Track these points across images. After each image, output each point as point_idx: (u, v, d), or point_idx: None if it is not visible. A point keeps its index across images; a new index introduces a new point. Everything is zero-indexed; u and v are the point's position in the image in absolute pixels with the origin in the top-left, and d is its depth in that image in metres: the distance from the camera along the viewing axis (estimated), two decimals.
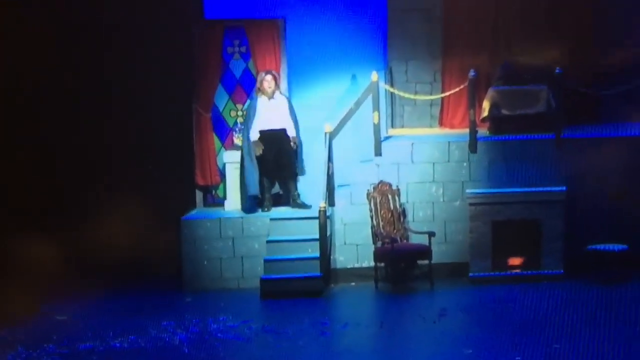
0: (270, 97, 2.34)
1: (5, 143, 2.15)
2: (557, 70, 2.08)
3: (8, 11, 2.05)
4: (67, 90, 2.12)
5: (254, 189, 2.42)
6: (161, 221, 1.99)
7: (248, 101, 2.37)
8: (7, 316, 1.56)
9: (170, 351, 1.62)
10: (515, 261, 2.18)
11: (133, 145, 2.01)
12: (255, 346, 1.69)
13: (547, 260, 2.13)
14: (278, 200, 2.46)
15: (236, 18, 2.34)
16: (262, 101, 2.36)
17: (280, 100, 2.38)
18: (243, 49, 2.34)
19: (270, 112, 2.43)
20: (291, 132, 2.41)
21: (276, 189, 2.57)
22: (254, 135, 2.35)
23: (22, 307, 1.60)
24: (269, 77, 2.32)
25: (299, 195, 2.43)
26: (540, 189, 2.13)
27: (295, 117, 2.38)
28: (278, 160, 2.47)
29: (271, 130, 2.40)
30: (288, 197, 2.59)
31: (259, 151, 2.36)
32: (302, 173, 2.36)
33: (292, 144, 2.36)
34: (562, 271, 2.04)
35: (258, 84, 2.37)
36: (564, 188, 2.04)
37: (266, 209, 2.51)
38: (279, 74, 2.36)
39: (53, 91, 2.13)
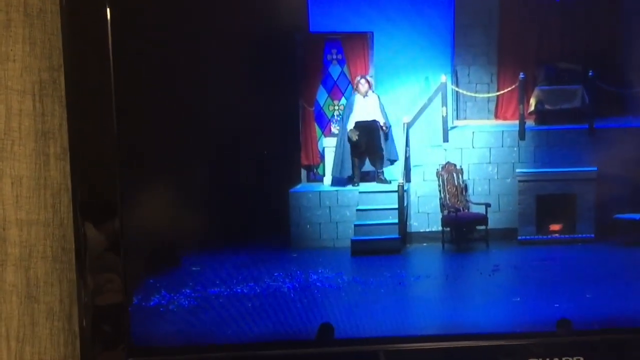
0: (364, 95, 2.38)
1: None
2: (590, 73, 2.05)
3: None
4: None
5: (337, 171, 2.45)
6: (274, 193, 2.05)
7: (343, 99, 2.41)
8: (153, 267, 1.64)
9: (280, 296, 1.70)
10: (555, 227, 2.17)
11: (253, 134, 2.06)
12: (346, 293, 1.75)
13: (580, 227, 2.11)
14: (365, 178, 2.50)
15: (334, 32, 2.38)
16: (357, 99, 2.40)
17: (372, 97, 2.41)
18: (339, 57, 2.38)
19: (363, 107, 2.47)
20: (381, 121, 2.44)
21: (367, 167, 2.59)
22: (350, 126, 2.40)
23: (166, 259, 1.67)
24: (363, 81, 2.36)
25: (383, 173, 2.46)
26: (576, 169, 2.11)
27: (384, 110, 2.40)
28: (369, 144, 2.50)
29: (364, 121, 2.44)
30: (375, 175, 2.62)
31: (354, 137, 2.40)
32: (396, 157, 2.38)
33: (383, 128, 2.39)
34: (593, 235, 2.02)
35: (354, 86, 2.41)
36: (596, 168, 2.02)
37: (356, 184, 2.56)
38: (371, 78, 2.39)
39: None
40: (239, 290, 1.67)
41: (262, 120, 1.85)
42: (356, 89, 2.44)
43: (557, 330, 1.68)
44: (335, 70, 2.38)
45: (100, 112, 1.50)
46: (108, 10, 1.48)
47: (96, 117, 1.51)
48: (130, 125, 1.55)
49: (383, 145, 2.36)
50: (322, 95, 2.36)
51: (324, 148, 2.39)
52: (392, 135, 2.34)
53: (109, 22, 1.49)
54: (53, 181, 1.56)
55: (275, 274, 1.73)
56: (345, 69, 2.37)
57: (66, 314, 1.61)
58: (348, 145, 2.36)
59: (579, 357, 1.64)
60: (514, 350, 1.66)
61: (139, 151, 1.58)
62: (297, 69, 2.17)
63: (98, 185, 1.52)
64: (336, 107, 2.42)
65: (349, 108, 2.43)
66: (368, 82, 2.38)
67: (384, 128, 2.35)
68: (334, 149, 2.39)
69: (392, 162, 2.38)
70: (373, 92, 2.36)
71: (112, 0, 1.49)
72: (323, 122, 2.42)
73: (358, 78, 2.41)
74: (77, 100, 1.50)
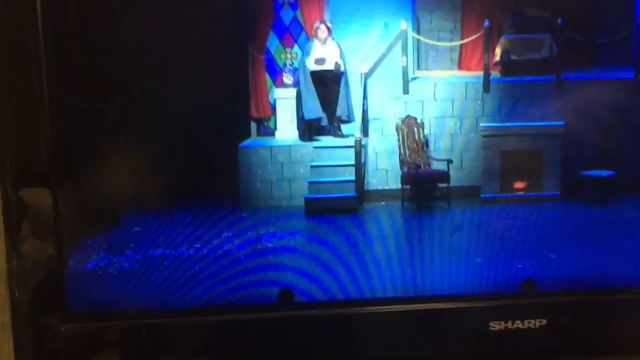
0: (323, 42, 2.36)
1: None
2: (559, 21, 2.07)
3: None
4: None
5: (312, 113, 2.42)
6: (222, 148, 2.03)
7: (296, 46, 2.39)
8: (92, 227, 1.62)
9: (229, 258, 1.69)
10: (520, 185, 2.20)
11: (198, 84, 2.03)
12: (301, 254, 1.75)
13: (546, 184, 2.14)
14: (320, 132, 2.49)
15: None
16: (316, 45, 2.38)
17: (332, 45, 2.39)
18: (292, 0, 2.36)
19: (322, 53, 2.45)
20: (340, 68, 2.42)
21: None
22: (311, 67, 2.37)
23: (105, 218, 1.65)
24: (322, 26, 2.33)
25: (339, 127, 2.45)
26: (543, 123, 2.14)
27: (345, 61, 2.39)
28: (326, 95, 2.49)
29: (323, 70, 2.42)
30: (330, 129, 2.62)
31: (320, 66, 2.36)
32: (352, 119, 2.37)
33: (339, 74, 2.37)
34: (559, 193, 2.06)
35: (313, 31, 2.39)
36: (563, 123, 2.05)
37: (308, 139, 2.55)
38: (331, 24, 2.37)
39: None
40: (184, 252, 1.66)
41: (207, 69, 1.83)
42: (314, 35, 2.41)
43: (521, 291, 1.71)
44: (287, 15, 2.36)
45: (27, 64, 1.48)
46: None
47: (23, 70, 1.48)
48: (62, 79, 1.53)
49: (340, 100, 2.36)
50: (273, 42, 2.34)
51: (275, 100, 2.37)
52: (349, 89, 2.34)
53: None
54: None
55: (224, 235, 1.72)
56: (298, 14, 2.35)
57: (2, 279, 1.59)
58: (312, 87, 2.34)
59: (541, 320, 1.68)
60: (475, 313, 1.70)
61: (72, 106, 1.56)
62: (245, 12, 2.13)
63: (28, 143, 1.51)
64: (288, 56, 2.40)
65: (306, 54, 2.41)
66: (328, 27, 2.36)
67: (336, 70, 2.33)
68: (292, 100, 2.37)
69: (347, 122, 2.38)
70: (333, 39, 2.35)
71: None
72: (274, 72, 2.40)
73: (317, 23, 2.39)
74: (0, 54, 1.47)
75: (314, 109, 2.34)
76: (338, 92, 2.34)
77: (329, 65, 2.36)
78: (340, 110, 2.36)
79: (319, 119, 2.37)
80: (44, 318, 1.54)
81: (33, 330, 1.54)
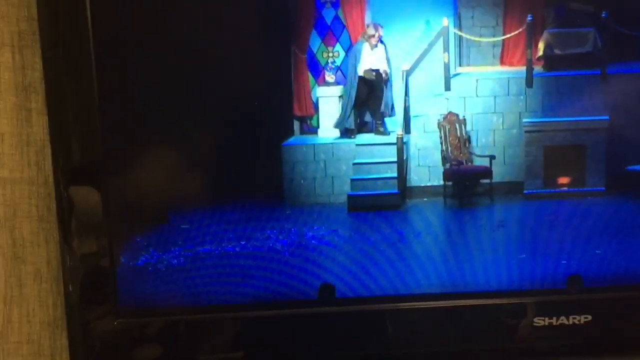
0: (373, 47, 2.38)
1: None
2: (603, 14, 2.06)
3: None
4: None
5: (347, 123, 2.45)
6: (266, 147, 2.05)
7: (337, 45, 2.41)
8: (140, 224, 1.65)
9: (273, 254, 1.72)
10: (563, 180, 2.20)
11: (242, 84, 2.06)
12: (343, 251, 1.77)
13: (591, 179, 2.14)
14: (363, 129, 2.51)
15: None
16: (365, 49, 2.40)
17: (380, 48, 2.41)
18: None
19: (370, 58, 2.47)
20: (386, 71, 2.43)
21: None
22: (361, 72, 2.39)
23: (153, 217, 1.68)
24: (373, 30, 2.35)
25: (382, 124, 2.47)
26: (586, 118, 2.13)
27: (390, 62, 2.40)
28: (371, 95, 2.50)
29: (371, 77, 2.44)
30: (373, 126, 2.63)
31: (371, 76, 2.38)
32: (393, 114, 2.39)
33: (383, 77, 2.39)
34: (604, 188, 2.05)
35: (364, 34, 2.40)
36: (607, 117, 2.04)
37: (353, 137, 2.57)
38: (382, 27, 2.38)
39: None
40: (230, 249, 1.70)
41: (251, 69, 1.85)
42: (364, 38, 2.43)
43: (567, 288, 1.71)
44: (329, 14, 2.38)
45: (78, 64, 1.52)
46: None
47: (75, 70, 1.53)
48: (113, 79, 1.56)
49: (384, 97, 2.38)
50: (315, 41, 2.37)
51: (317, 98, 2.40)
52: (391, 86, 2.35)
53: None
54: (36, 137, 1.58)
55: (269, 232, 1.76)
56: (340, 13, 2.37)
57: (54, 275, 1.64)
58: (355, 93, 2.37)
59: (587, 316, 1.68)
60: (518, 309, 1.70)
61: (122, 105, 1.60)
62: (287, 12, 2.15)
63: (79, 142, 1.55)
64: (330, 54, 2.42)
65: (354, 58, 2.43)
66: (378, 32, 2.38)
67: (384, 76, 2.36)
68: (334, 99, 2.40)
69: (389, 116, 2.39)
70: (382, 42, 2.36)
71: None
72: (316, 70, 2.42)
73: (370, 28, 2.40)
74: (53, 52, 1.52)
75: (350, 120, 2.36)
76: (382, 92, 2.36)
77: (378, 73, 2.38)
78: (383, 107, 2.37)
79: (352, 130, 2.39)
80: (95, 313, 1.59)
81: (85, 325, 1.59)
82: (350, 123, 2.43)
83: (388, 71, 2.38)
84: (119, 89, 1.57)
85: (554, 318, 1.68)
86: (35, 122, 1.58)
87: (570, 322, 1.67)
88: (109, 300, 1.59)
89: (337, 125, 2.41)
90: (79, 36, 1.51)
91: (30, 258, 1.57)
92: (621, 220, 1.87)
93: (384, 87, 2.45)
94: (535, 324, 1.67)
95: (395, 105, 2.36)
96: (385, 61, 2.44)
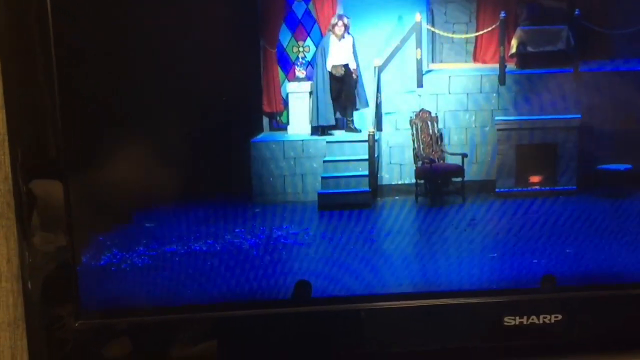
0: (340, 38, 2.38)
1: None
2: (576, 12, 2.08)
3: None
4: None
5: (325, 120, 2.44)
6: (234, 143, 2.04)
7: (308, 39, 2.40)
8: (103, 222, 1.64)
9: (241, 254, 1.71)
10: (535, 179, 2.21)
11: (210, 78, 2.04)
12: (313, 250, 1.77)
13: (562, 178, 2.15)
14: (333, 126, 2.50)
15: None
16: (332, 41, 2.39)
17: (347, 40, 2.40)
18: None
19: (338, 51, 2.46)
20: (352, 66, 2.44)
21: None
22: (329, 67, 2.39)
23: (116, 215, 1.66)
24: (340, 22, 2.35)
25: (352, 121, 2.47)
26: (559, 116, 2.14)
27: (356, 54, 2.40)
28: (341, 90, 2.50)
29: (341, 73, 2.44)
30: (343, 123, 2.63)
31: (340, 72, 2.38)
32: (366, 105, 2.39)
33: (353, 75, 2.39)
34: (575, 187, 2.07)
35: (330, 27, 2.40)
36: (579, 116, 2.05)
37: (326, 133, 2.56)
38: (349, 19, 2.38)
39: None
40: (197, 248, 1.69)
41: (219, 63, 1.84)
42: (331, 30, 2.43)
43: (541, 287, 1.73)
44: (299, 8, 2.37)
45: (37, 57, 1.50)
46: None
47: (33, 62, 1.50)
48: (74, 72, 1.54)
49: (354, 92, 2.37)
50: (285, 36, 2.36)
51: (287, 94, 2.39)
52: (362, 80, 2.35)
53: None
54: None
55: (237, 230, 1.74)
56: (311, 6, 2.36)
57: (14, 274, 1.62)
58: (329, 91, 2.36)
59: (557, 315, 1.69)
60: (490, 308, 1.70)
61: (84, 101, 1.57)
62: (256, 5, 2.14)
63: (38, 138, 1.53)
64: (301, 49, 2.41)
65: (322, 51, 2.43)
66: (345, 24, 2.38)
67: (354, 75, 2.36)
68: (304, 94, 2.39)
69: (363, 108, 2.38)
70: (349, 34, 2.36)
71: None
72: (286, 65, 2.41)
73: (335, 19, 2.40)
74: (10, 45, 1.49)
75: (328, 116, 2.36)
76: (353, 87, 2.36)
77: (347, 69, 2.37)
78: (358, 103, 2.37)
79: (331, 126, 2.39)
80: (56, 314, 1.57)
81: (46, 326, 1.56)
82: (330, 119, 2.43)
83: (355, 66, 2.38)
84: (80, 82, 1.54)
85: (525, 317, 1.69)
86: None
87: (541, 321, 1.68)
88: (70, 301, 1.56)
89: (312, 123, 2.40)
90: (38, 29, 1.48)
91: None
92: (592, 219, 1.89)
93: (354, 83, 2.45)
94: (505, 323, 1.68)
95: (369, 102, 2.36)
96: (353, 54, 2.43)
